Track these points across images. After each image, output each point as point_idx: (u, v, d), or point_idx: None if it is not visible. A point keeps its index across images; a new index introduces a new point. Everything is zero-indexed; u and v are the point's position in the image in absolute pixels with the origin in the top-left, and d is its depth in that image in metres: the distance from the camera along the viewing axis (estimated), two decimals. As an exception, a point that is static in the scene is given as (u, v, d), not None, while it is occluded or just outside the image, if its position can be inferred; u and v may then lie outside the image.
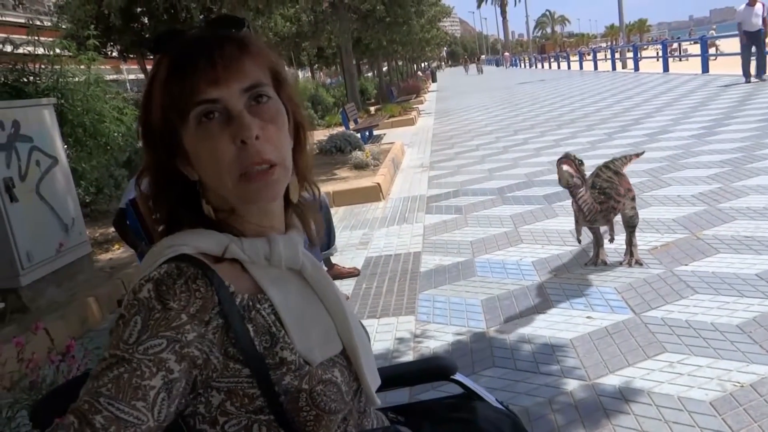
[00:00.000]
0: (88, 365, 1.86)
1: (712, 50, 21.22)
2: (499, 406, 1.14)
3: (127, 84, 23.64)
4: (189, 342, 0.73)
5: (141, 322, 0.72)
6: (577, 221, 3.62)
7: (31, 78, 5.79)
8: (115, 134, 5.73)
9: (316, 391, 0.81)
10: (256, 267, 0.83)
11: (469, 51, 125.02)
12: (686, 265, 3.43)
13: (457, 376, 1.18)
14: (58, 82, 5.71)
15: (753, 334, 2.54)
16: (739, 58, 13.59)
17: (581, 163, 3.29)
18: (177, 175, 0.83)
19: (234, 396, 0.79)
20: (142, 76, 12.93)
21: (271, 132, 0.80)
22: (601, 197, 3.41)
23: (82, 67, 6.26)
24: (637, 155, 4.04)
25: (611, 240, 3.73)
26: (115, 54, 12.23)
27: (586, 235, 3.85)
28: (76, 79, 5.82)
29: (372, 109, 19.72)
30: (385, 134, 12.99)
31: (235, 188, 0.79)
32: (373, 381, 0.92)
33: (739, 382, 2.21)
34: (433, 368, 1.24)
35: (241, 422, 0.80)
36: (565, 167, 3.22)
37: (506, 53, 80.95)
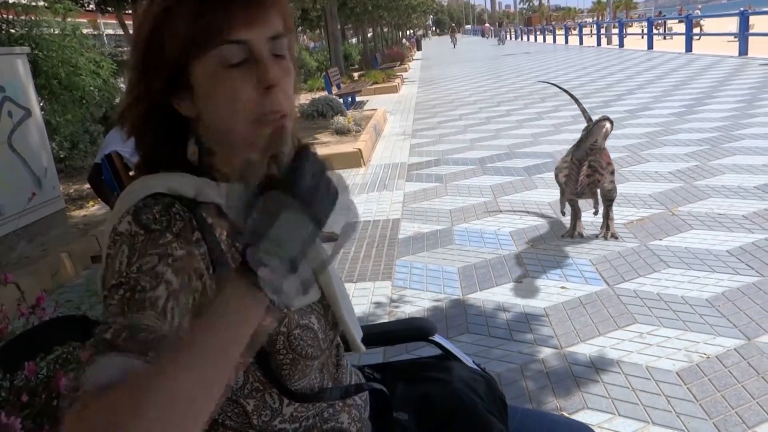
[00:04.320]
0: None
1: (696, 29, 21.27)
2: (475, 367, 1.15)
3: (105, 38, 22.99)
4: (180, 257, 0.71)
5: (128, 249, 0.70)
6: (563, 193, 3.63)
7: (4, 26, 5.58)
8: (91, 88, 5.57)
9: (293, 334, 0.81)
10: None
11: (455, 20, 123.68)
12: (660, 239, 3.48)
13: (436, 338, 1.19)
14: (33, 32, 5.51)
15: (721, 308, 2.59)
16: (720, 39, 13.63)
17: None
18: (167, 111, 0.81)
19: None
20: (120, 31, 12.55)
21: (287, 83, 0.80)
22: (588, 170, 3.43)
23: (57, 19, 6.05)
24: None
25: (596, 212, 3.75)
26: (92, 7, 11.85)
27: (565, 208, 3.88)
28: (52, 30, 5.62)
29: (355, 75, 19.48)
30: (367, 101, 12.88)
31: (246, 131, 0.78)
32: (355, 328, 0.92)
33: (705, 354, 2.27)
34: (412, 329, 1.25)
35: None
36: (608, 125, 3.32)
37: (487, 24, 78.49)
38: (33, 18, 5.72)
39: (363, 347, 0.95)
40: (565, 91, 4.09)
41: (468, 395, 1.01)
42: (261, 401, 0.82)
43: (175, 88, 0.79)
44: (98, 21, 22.30)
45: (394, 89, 15.62)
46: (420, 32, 79.72)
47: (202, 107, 0.79)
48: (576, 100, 3.99)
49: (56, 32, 5.64)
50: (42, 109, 4.85)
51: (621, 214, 3.94)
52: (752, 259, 3.07)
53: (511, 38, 43.88)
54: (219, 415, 0.82)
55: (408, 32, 67.89)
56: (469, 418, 0.97)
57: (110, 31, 25.71)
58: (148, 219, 0.73)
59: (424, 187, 5.38)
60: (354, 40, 35.15)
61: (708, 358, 2.24)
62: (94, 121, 6.38)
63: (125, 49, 11.40)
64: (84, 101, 5.71)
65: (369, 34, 31.04)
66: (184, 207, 0.76)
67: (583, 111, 3.91)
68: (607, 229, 3.64)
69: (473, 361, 1.18)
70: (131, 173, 3.77)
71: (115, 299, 0.66)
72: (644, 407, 2.00)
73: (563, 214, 3.78)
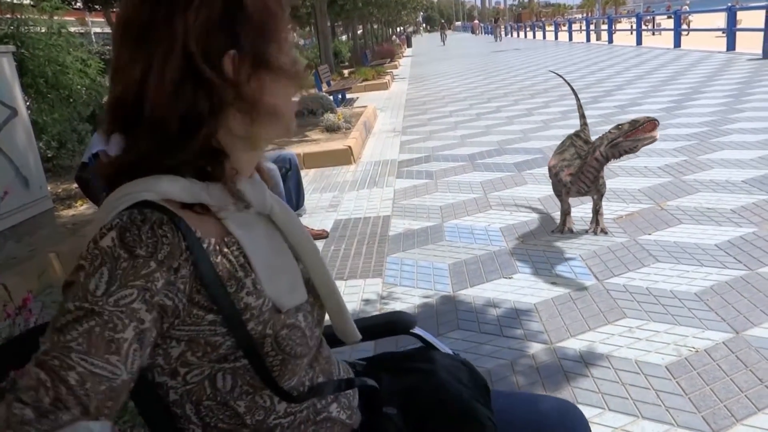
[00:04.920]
0: (46, 320, 1.82)
1: (684, 25, 21.38)
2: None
3: (93, 37, 22.82)
4: (158, 290, 0.70)
5: (108, 272, 0.68)
6: (567, 193, 3.58)
7: (-12, 24, 5.53)
8: (79, 87, 5.53)
9: (280, 335, 0.81)
10: (223, 212, 0.81)
11: (445, 17, 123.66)
12: (649, 234, 3.49)
13: (416, 330, 1.20)
14: (19, 30, 5.46)
15: (709, 302, 2.61)
16: (709, 34, 13.68)
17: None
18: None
19: (195, 345, 0.77)
20: (108, 29, 12.45)
21: None
22: (596, 164, 3.40)
23: (44, 17, 5.99)
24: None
25: (596, 210, 3.70)
26: (79, 5, 11.76)
27: (555, 204, 3.89)
28: (38, 28, 5.56)
29: (345, 72, 19.43)
30: (358, 98, 12.86)
31: (290, 122, 0.86)
32: (348, 319, 0.95)
33: (694, 348, 2.28)
34: (393, 322, 1.25)
35: (204, 372, 0.79)
36: (657, 133, 3.17)
37: (476, 20, 78.21)
38: (19, 16, 5.66)
39: (359, 335, 0.97)
40: (569, 85, 4.05)
41: (453, 384, 1.02)
42: (252, 402, 0.82)
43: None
44: (86, 19, 22.13)
45: (385, 86, 15.61)
46: (410, 29, 79.59)
47: (257, 97, 0.79)
48: (576, 97, 3.97)
49: (43, 30, 5.58)
50: (28, 108, 4.80)
51: (610, 209, 3.96)
52: (740, 252, 3.08)
53: (501, 34, 43.82)
54: (210, 418, 0.82)
55: (398, 29, 67.81)
56: (455, 406, 0.98)
57: (98, 29, 25.53)
58: (134, 241, 0.70)
59: (414, 184, 5.38)
60: (344, 38, 35.08)
61: (697, 351, 2.25)
62: (81, 120, 6.32)
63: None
64: (71, 100, 5.66)
65: (359, 31, 30.98)
66: (173, 223, 0.74)
67: (580, 107, 3.90)
68: (596, 224, 3.65)
69: (453, 351, 1.19)
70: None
71: (83, 327, 0.65)
72: (634, 401, 2.01)
73: (567, 214, 3.71)
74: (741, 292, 2.67)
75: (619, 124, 3.29)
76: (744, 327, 2.38)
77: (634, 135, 3.17)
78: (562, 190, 3.59)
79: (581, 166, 3.40)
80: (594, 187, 3.46)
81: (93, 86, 5.80)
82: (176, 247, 0.73)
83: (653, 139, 3.17)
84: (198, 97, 0.75)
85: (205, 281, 0.75)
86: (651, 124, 3.13)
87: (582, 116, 3.84)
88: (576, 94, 4.00)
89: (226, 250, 0.79)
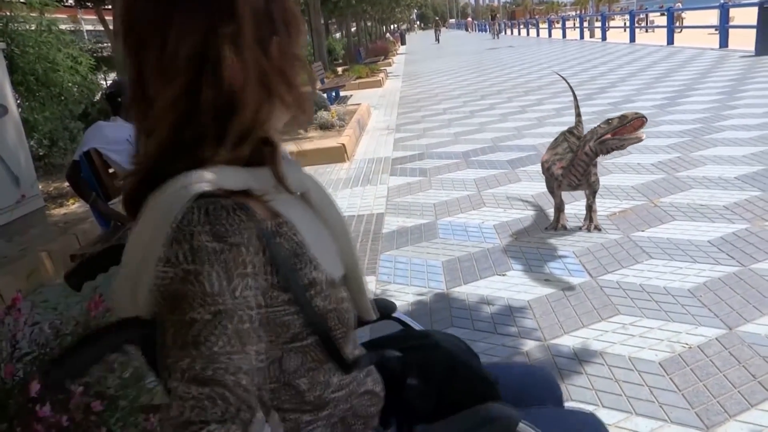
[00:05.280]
0: (36, 318, 1.79)
1: (677, 23, 21.43)
2: None
3: (85, 34, 22.68)
4: (256, 274, 0.73)
5: (216, 269, 0.69)
6: (558, 186, 3.59)
7: (-23, 21, 5.48)
8: (70, 84, 5.49)
9: (340, 309, 0.84)
10: (267, 195, 0.82)
11: (439, 14, 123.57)
12: (643, 231, 3.50)
13: (396, 314, 1.25)
14: (8, 27, 5.41)
15: (703, 298, 2.61)
16: (701, 31, 13.69)
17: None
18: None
19: (270, 328, 0.77)
20: (101, 27, 12.38)
21: None
22: (586, 159, 3.40)
23: (33, 14, 5.94)
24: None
25: (589, 206, 3.70)
26: (71, 2, 11.67)
27: (549, 201, 3.89)
28: (27, 25, 5.51)
29: (339, 69, 19.40)
30: (351, 95, 12.83)
31: (311, 113, 0.88)
32: (369, 297, 0.97)
33: (687, 344, 2.28)
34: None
35: (273, 355, 0.80)
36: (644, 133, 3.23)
37: (469, 18, 78.73)
38: (8, 13, 5.61)
39: (374, 314, 0.98)
40: (570, 86, 4.03)
41: (458, 352, 1.06)
42: (313, 379, 0.84)
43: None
44: (78, 17, 21.96)
45: (378, 84, 15.59)
46: (404, 26, 79.49)
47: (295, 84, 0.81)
48: (574, 96, 3.96)
49: (32, 28, 5.53)
50: (19, 106, 4.76)
51: (604, 206, 3.96)
52: (733, 249, 3.09)
53: (497, 31, 43.77)
54: (273, 401, 0.83)
55: (392, 27, 67.70)
56: (467, 371, 1.03)
57: (90, 27, 25.35)
58: (225, 230, 0.71)
59: (408, 181, 5.37)
60: (338, 35, 34.99)
61: (690, 348, 2.25)
62: (73, 117, 6.28)
63: (105, 45, 11.23)
64: (62, 98, 5.62)
65: (353, 29, 30.91)
66: (242, 208, 0.74)
67: (576, 106, 3.90)
68: (590, 221, 3.65)
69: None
70: (111, 170, 3.72)
71: (218, 329, 0.66)
72: (627, 398, 2.01)
73: (559, 209, 3.70)
74: (734, 289, 2.67)
75: (609, 119, 3.30)
76: (737, 323, 2.38)
77: (620, 133, 3.19)
78: (554, 184, 3.59)
79: (572, 160, 3.41)
80: (585, 181, 3.46)
81: (84, 84, 5.76)
82: (252, 231, 0.74)
83: (639, 140, 3.22)
84: (252, 82, 0.76)
85: (277, 261, 0.76)
86: (639, 121, 3.15)
87: (578, 114, 3.84)
88: (574, 94, 3.98)
89: (282, 230, 0.80)
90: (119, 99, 3.66)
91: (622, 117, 3.23)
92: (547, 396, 1.16)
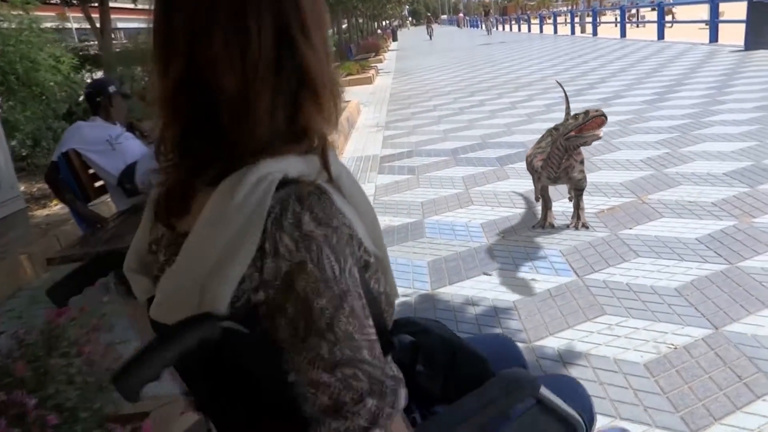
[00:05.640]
0: (4, 325, 1.74)
1: (668, 17, 21.45)
2: None
3: (74, 32, 22.48)
4: (355, 254, 0.75)
5: (330, 252, 0.70)
6: (538, 179, 3.56)
7: (-44, 20, 5.38)
8: (52, 84, 5.40)
9: (386, 292, 0.86)
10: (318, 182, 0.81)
11: (431, 10, 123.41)
12: (630, 228, 3.46)
13: None
14: (-12, 26, 5.32)
15: (689, 297, 2.58)
16: (692, 26, 13.69)
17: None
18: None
19: None
20: (86, 25, 12.23)
21: None
22: (565, 154, 3.37)
23: (15, 12, 5.83)
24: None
25: (570, 198, 3.69)
26: (57, 0, 11.53)
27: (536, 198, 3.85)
28: (6, 24, 5.41)
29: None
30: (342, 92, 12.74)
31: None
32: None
33: (673, 344, 2.24)
34: None
35: None
36: (601, 132, 3.23)
37: (461, 14, 78.97)
38: (-11, 12, 5.52)
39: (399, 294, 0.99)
40: (564, 92, 3.98)
41: (450, 335, 1.08)
42: None
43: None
44: (67, 14, 21.76)
45: (369, 80, 15.51)
46: (396, 23, 79.30)
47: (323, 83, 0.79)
48: (566, 99, 3.91)
49: (13, 26, 5.44)
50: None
51: (592, 203, 3.93)
52: (720, 246, 3.06)
53: (484, 28, 43.57)
54: None
55: (384, 23, 67.54)
56: (465, 355, 1.05)
57: (77, 26, 25.12)
58: (326, 215, 0.72)
59: (396, 180, 5.32)
60: (330, 32, 34.82)
61: (676, 348, 2.22)
62: (57, 117, 6.19)
63: (92, 43, 11.09)
64: (44, 97, 5.53)
65: (344, 26, 30.78)
66: (327, 192, 0.75)
67: (567, 106, 3.85)
68: (577, 219, 3.61)
69: None
70: (91, 172, 3.65)
71: (346, 311, 0.69)
72: (612, 401, 1.97)
73: (537, 200, 3.70)
74: (721, 287, 2.64)
75: (576, 114, 3.29)
76: (723, 322, 2.35)
77: (584, 129, 3.20)
78: (535, 176, 3.57)
79: (550, 152, 3.39)
80: (565, 175, 3.42)
81: (66, 83, 5.67)
82: (339, 212, 0.74)
83: (597, 137, 3.23)
84: (298, 73, 0.75)
85: (351, 243, 0.77)
86: (599, 119, 3.17)
87: (567, 113, 3.81)
88: (567, 97, 3.93)
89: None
90: (98, 99, 3.59)
91: (586, 113, 3.24)
92: (514, 363, 1.20)
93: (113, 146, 3.59)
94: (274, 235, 0.69)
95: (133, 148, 3.67)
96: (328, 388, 0.68)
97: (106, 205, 4.07)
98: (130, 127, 4.19)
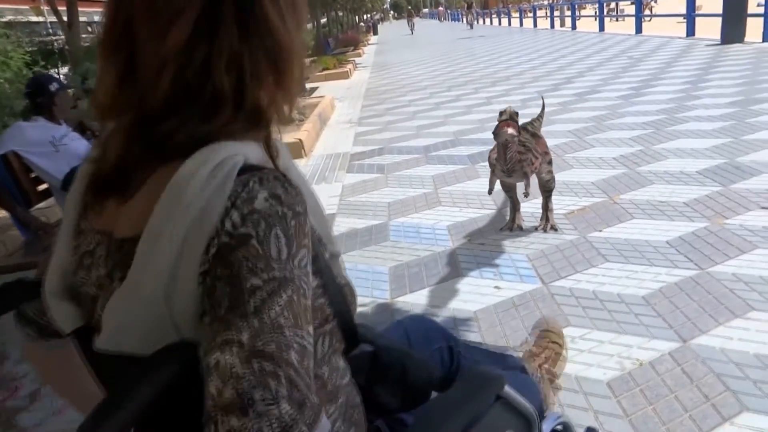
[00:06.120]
0: None
1: (647, 11, 21.47)
2: None
3: (48, 25, 21.99)
4: (313, 247, 0.69)
5: (282, 233, 0.62)
6: (493, 172, 3.43)
7: None
8: (1, 81, 5.16)
9: (349, 284, 0.81)
10: None
11: (412, 4, 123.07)
12: (600, 231, 3.34)
13: None
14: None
15: (657, 306, 2.45)
16: (671, 20, 13.68)
17: (517, 114, 3.19)
18: None
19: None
20: (53, 18, 11.89)
21: None
22: (521, 148, 3.24)
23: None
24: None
25: (526, 194, 3.54)
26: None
27: (505, 199, 3.70)
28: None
29: (306, 61, 19.07)
30: (318, 87, 12.56)
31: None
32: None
33: (638, 360, 2.11)
34: None
35: None
36: (510, 130, 3.08)
37: (441, 8, 79.35)
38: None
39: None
40: (543, 105, 3.85)
41: (397, 344, 1.03)
42: (331, 364, 0.80)
43: None
44: (42, 8, 21.28)
45: (346, 75, 15.31)
46: (378, 16, 79.00)
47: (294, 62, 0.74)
48: (542, 110, 3.77)
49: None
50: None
51: (562, 203, 3.80)
52: (691, 250, 2.94)
53: (464, 22, 43.28)
54: None
55: (365, 16, 67.12)
56: (414, 361, 0.99)
57: (52, 19, 24.57)
58: (290, 198, 0.64)
59: (364, 179, 5.16)
60: (310, 26, 34.48)
61: (641, 365, 2.08)
62: (14, 114, 5.94)
63: (58, 37, 10.78)
64: (-6, 95, 5.28)
65: (323, 20, 30.44)
66: (290, 180, 0.68)
67: (542, 113, 3.72)
68: (546, 221, 3.49)
69: None
70: (33, 175, 3.45)
71: (283, 299, 0.59)
72: (571, 425, 1.83)
73: (489, 193, 3.52)
74: (690, 295, 2.51)
75: (501, 111, 3.20)
76: (692, 334, 2.23)
77: (500, 128, 3.11)
78: (491, 170, 3.43)
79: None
80: (519, 170, 3.24)
81: (16, 79, 5.42)
82: (303, 203, 0.67)
83: (503, 137, 3.11)
84: (267, 50, 0.69)
85: (312, 238, 0.72)
86: (505, 123, 3.08)
87: (540, 116, 3.68)
88: (542, 111, 3.79)
89: None
90: (38, 100, 3.40)
91: (501, 113, 3.18)
92: (441, 338, 1.22)
93: (57, 148, 3.40)
94: (227, 213, 0.61)
95: (80, 148, 3.48)
96: (238, 379, 0.54)
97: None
98: (81, 127, 3.99)
